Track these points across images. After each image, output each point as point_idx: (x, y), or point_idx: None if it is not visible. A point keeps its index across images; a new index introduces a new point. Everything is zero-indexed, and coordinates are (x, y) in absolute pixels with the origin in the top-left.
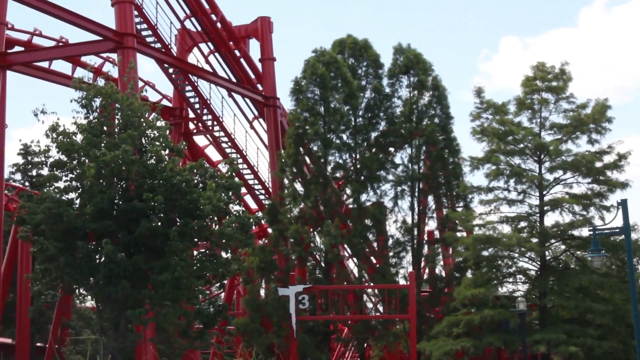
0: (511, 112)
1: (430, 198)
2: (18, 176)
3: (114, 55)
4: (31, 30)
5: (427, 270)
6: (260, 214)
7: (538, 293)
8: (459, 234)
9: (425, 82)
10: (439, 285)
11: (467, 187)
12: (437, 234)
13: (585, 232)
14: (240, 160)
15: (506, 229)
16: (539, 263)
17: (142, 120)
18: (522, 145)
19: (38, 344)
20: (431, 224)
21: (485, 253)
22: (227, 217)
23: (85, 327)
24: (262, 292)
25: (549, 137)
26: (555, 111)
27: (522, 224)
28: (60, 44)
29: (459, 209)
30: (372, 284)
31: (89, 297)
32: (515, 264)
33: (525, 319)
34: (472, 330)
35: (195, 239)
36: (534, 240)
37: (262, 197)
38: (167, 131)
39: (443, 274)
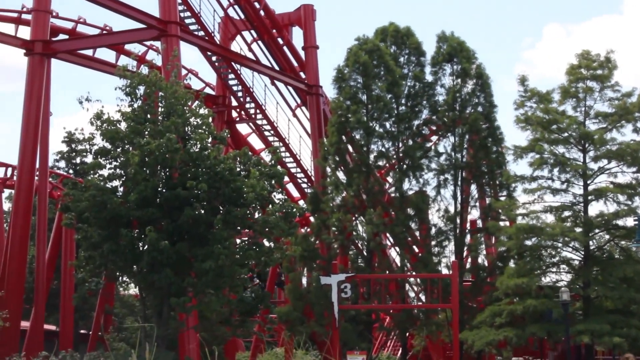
0: (555, 101)
1: (473, 187)
2: (62, 164)
3: (157, 43)
4: (75, 19)
5: (469, 260)
6: (302, 202)
7: (582, 283)
8: (502, 223)
9: (468, 70)
10: (482, 274)
11: (510, 176)
12: (479, 223)
13: (630, 222)
14: (282, 149)
15: (550, 218)
16: (583, 253)
17: (185, 108)
18: (566, 134)
19: (82, 331)
20: (474, 213)
21: (528, 242)
22: (270, 206)
23: (129, 314)
24: (304, 281)
25: (594, 126)
26: (600, 100)
27: (566, 213)
28: (104, 32)
29: (502, 198)
30: (414, 273)
31: (132, 285)
32: (559, 254)
33: (568, 309)
34: (515, 320)
35: (238, 227)
36: (578, 230)
37: (304, 185)
38: (210, 119)
39: (486, 263)
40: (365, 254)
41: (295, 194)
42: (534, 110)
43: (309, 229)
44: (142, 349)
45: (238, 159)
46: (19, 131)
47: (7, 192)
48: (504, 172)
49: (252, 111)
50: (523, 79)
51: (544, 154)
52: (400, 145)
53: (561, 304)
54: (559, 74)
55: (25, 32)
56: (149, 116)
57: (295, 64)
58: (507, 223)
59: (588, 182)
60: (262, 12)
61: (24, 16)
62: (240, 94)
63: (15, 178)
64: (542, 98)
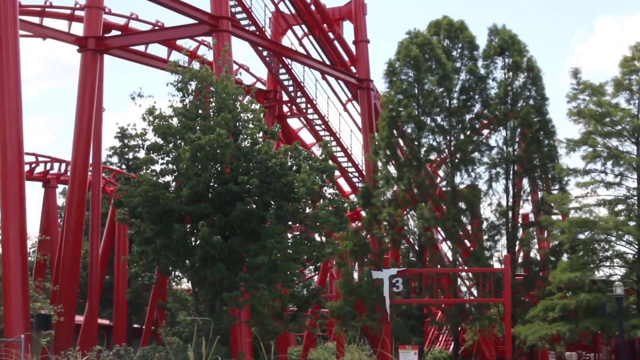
0: (608, 94)
1: (525, 181)
2: (115, 159)
3: (208, 39)
4: (128, 15)
5: (521, 254)
6: (353, 197)
7: (635, 277)
8: (554, 217)
9: (520, 64)
10: (534, 269)
11: (562, 170)
12: (532, 217)
13: None
14: (333, 143)
15: (603, 212)
16: (637, 247)
17: (236, 103)
18: (619, 127)
19: (135, 326)
20: (526, 207)
21: (581, 236)
22: (321, 200)
23: (181, 309)
24: (355, 276)
25: None
26: None
27: (620, 207)
28: (156, 27)
29: (555, 192)
30: (466, 268)
31: (185, 279)
32: (612, 248)
33: (622, 304)
34: (568, 314)
35: (290, 222)
36: (632, 223)
37: (355, 180)
38: (262, 114)
39: (538, 257)
40: (416, 248)
41: (346, 188)
42: (586, 103)
43: (359, 224)
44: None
45: (289, 153)
46: (73, 127)
47: (60, 188)
48: (556, 165)
49: (303, 106)
50: (576, 71)
51: (597, 147)
52: (452, 139)
53: (615, 298)
54: (611, 67)
55: (78, 29)
56: (200, 111)
57: (346, 58)
58: (560, 217)
59: None
60: (312, 7)
61: (77, 13)
62: (291, 88)
63: (69, 174)
64: (595, 91)
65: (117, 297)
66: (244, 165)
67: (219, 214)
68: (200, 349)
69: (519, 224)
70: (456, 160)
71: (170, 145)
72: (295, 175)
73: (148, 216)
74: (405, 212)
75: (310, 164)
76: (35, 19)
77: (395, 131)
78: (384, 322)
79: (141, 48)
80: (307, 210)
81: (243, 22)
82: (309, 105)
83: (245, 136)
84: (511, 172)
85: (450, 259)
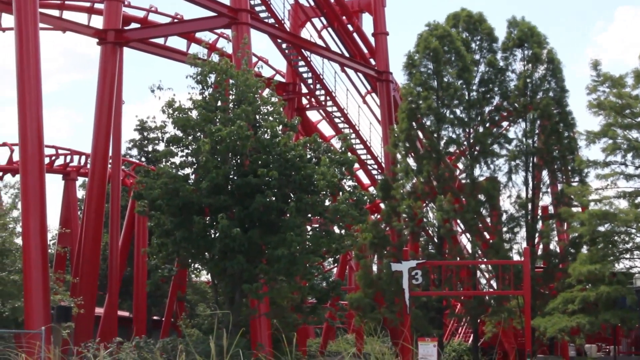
0: (629, 85)
1: (544, 173)
2: (134, 152)
3: (228, 31)
4: (147, 7)
5: (541, 246)
6: (373, 189)
7: None
8: (574, 210)
9: (540, 55)
10: (554, 261)
11: (582, 162)
12: (551, 209)
13: None
14: (353, 136)
15: (623, 204)
16: None
17: (256, 96)
18: None
19: (154, 317)
20: (546, 199)
21: (601, 229)
22: (341, 193)
23: (201, 301)
24: (375, 268)
25: None
26: None
27: None
28: (176, 20)
29: (575, 184)
30: (485, 260)
31: (204, 272)
32: (633, 240)
33: None
34: (588, 307)
35: (309, 215)
36: None
37: (374, 172)
38: (281, 107)
39: (558, 249)
40: (435, 240)
41: (365, 180)
42: (606, 95)
43: (379, 216)
44: (218, 335)
45: (308, 146)
46: (92, 120)
47: (80, 180)
48: (576, 157)
49: (322, 98)
50: (596, 63)
51: (617, 139)
52: (471, 131)
53: (635, 290)
54: (631, 58)
55: (98, 22)
56: (219, 104)
57: (365, 51)
58: (580, 209)
59: None
60: None
61: (96, 5)
62: (310, 81)
63: (88, 166)
64: (615, 83)
65: (136, 289)
66: (263, 158)
67: (239, 207)
68: (221, 341)
69: (539, 216)
70: (475, 153)
71: (190, 137)
72: (314, 168)
73: (168, 208)
74: (424, 205)
75: (330, 156)
76: (55, 12)
77: (414, 123)
78: (403, 314)
79: (160, 41)
80: (327, 202)
81: (262, 15)
82: (328, 98)
83: (265, 129)
84: (531, 164)
85: (470, 251)
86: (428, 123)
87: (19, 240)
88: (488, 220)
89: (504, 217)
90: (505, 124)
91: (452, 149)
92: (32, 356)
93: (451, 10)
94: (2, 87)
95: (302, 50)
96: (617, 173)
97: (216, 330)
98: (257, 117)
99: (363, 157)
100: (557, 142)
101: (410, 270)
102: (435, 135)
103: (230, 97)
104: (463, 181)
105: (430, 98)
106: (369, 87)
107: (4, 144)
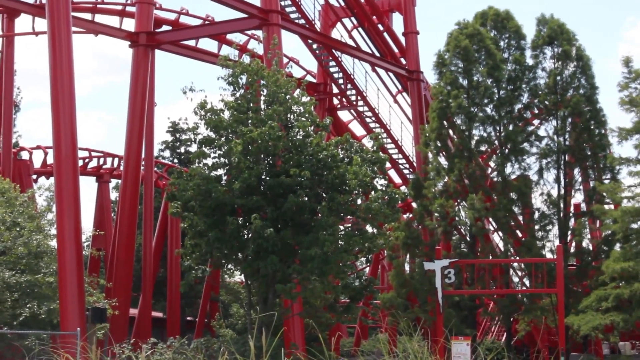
0: None
1: (576, 170)
2: (167, 153)
3: (258, 33)
4: (178, 10)
5: (573, 244)
6: (404, 188)
7: None
8: (606, 207)
9: (569, 53)
10: (587, 258)
11: (614, 159)
12: (583, 206)
13: None
14: (384, 135)
15: None
16: None
17: (287, 96)
18: None
19: (188, 318)
20: (577, 197)
21: (634, 226)
22: (373, 192)
23: (234, 301)
24: (407, 267)
25: None
26: None
27: None
28: (206, 22)
29: (607, 181)
30: (518, 258)
31: (237, 272)
32: None
33: None
34: (622, 304)
35: (342, 214)
36: None
37: (406, 171)
38: (313, 107)
39: (590, 247)
40: (468, 239)
41: (397, 180)
42: (638, 92)
43: (411, 215)
44: (255, 335)
45: (340, 145)
46: (125, 122)
47: (114, 182)
48: (608, 155)
49: (353, 98)
50: (627, 60)
51: None
52: (502, 129)
53: None
54: None
55: (129, 24)
56: (251, 105)
57: (396, 50)
58: (612, 206)
59: None
60: None
61: (128, 9)
62: (341, 81)
63: (121, 168)
64: None
65: (170, 290)
66: (295, 158)
67: (271, 207)
68: (257, 341)
69: (571, 214)
70: (506, 151)
71: (222, 138)
72: (346, 168)
73: (201, 209)
74: (456, 203)
75: (362, 155)
76: (88, 16)
77: (445, 122)
78: (436, 313)
79: (192, 42)
80: (359, 201)
81: (293, 16)
82: (359, 98)
83: (296, 129)
84: (562, 162)
85: (502, 249)
86: (459, 122)
87: (53, 243)
88: (520, 218)
89: (536, 215)
90: (535, 122)
91: (483, 147)
92: (73, 357)
93: (480, 9)
94: (36, 91)
95: (333, 51)
96: None
97: (253, 331)
98: (289, 117)
99: (394, 156)
100: (589, 139)
101: (442, 269)
102: (466, 133)
103: (262, 97)
104: (494, 179)
105: (460, 97)
106: (399, 87)
107: (38, 147)
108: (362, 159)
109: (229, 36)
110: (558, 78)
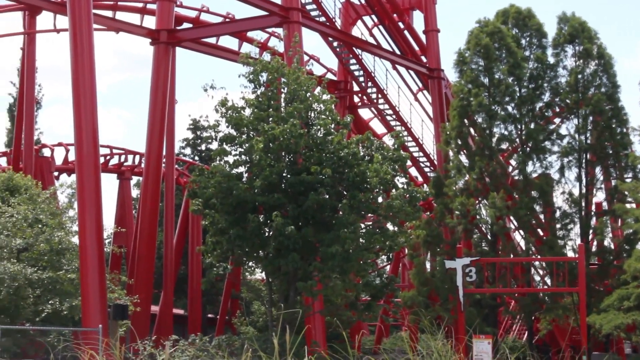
0: None
1: (597, 169)
2: (188, 150)
3: (279, 30)
4: (199, 7)
5: (595, 242)
6: (425, 186)
7: None
8: (628, 206)
9: (590, 51)
10: (608, 257)
11: (636, 158)
12: (605, 205)
13: None
14: (405, 133)
15: None
16: None
17: (308, 94)
18: None
19: (209, 315)
20: (599, 196)
21: None
22: (394, 190)
23: (255, 298)
24: (428, 266)
25: None
26: None
27: None
28: (227, 20)
29: (628, 180)
30: (539, 257)
31: (259, 269)
32: None
33: None
34: None
35: (363, 212)
36: None
37: (427, 169)
38: (333, 104)
39: (612, 246)
40: (489, 237)
41: (418, 178)
42: None
43: (431, 214)
44: (275, 332)
45: (361, 143)
46: (146, 119)
47: (135, 179)
48: (629, 153)
49: (373, 96)
50: None
51: None
52: (523, 128)
53: None
54: None
55: (150, 22)
56: (272, 102)
57: (417, 48)
58: (634, 205)
59: None
60: None
61: (149, 6)
62: (361, 79)
63: (143, 165)
64: None
65: (191, 287)
66: (316, 156)
67: (292, 204)
68: (280, 339)
69: (592, 213)
70: (527, 149)
71: (243, 136)
72: (367, 165)
73: (222, 207)
74: (477, 202)
75: (383, 153)
76: (109, 13)
77: (466, 120)
78: (457, 311)
79: (212, 40)
80: (380, 199)
81: (313, 13)
82: (379, 96)
83: (318, 126)
84: (584, 161)
85: (523, 248)
86: (479, 120)
87: (75, 239)
88: (541, 216)
89: (557, 213)
90: (557, 120)
91: (504, 145)
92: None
93: (501, 7)
94: (58, 88)
95: (353, 48)
96: None
97: (274, 328)
98: (310, 114)
99: (415, 154)
100: (610, 138)
101: (464, 267)
102: (487, 132)
103: (282, 95)
104: (515, 178)
105: (481, 95)
106: (420, 85)
107: (60, 144)
108: (383, 157)
109: (250, 34)
110: (579, 76)
